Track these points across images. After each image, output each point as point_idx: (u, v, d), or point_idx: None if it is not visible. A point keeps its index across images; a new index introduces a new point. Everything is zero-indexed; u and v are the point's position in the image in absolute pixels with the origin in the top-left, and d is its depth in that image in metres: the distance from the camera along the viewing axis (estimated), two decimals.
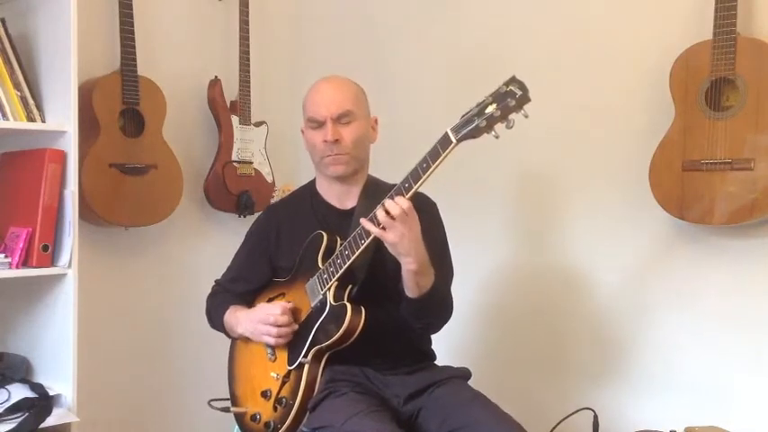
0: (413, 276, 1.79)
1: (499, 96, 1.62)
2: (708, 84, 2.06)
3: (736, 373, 2.17)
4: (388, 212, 1.72)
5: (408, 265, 1.78)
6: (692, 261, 2.25)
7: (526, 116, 1.61)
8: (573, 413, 2.12)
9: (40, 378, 2.27)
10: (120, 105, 2.51)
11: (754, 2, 2.10)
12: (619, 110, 2.38)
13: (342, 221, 1.97)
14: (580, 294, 2.48)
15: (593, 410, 2.11)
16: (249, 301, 2.09)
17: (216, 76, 2.85)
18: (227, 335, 2.11)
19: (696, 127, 2.08)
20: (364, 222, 1.77)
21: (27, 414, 2.05)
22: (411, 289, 1.82)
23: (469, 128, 1.64)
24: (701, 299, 2.23)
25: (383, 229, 1.74)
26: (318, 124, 1.95)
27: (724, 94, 2.07)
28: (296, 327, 1.93)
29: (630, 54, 2.35)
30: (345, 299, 1.86)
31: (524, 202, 2.61)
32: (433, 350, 2.06)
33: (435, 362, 2.05)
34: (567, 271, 2.51)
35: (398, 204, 1.72)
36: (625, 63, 2.37)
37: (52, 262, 2.18)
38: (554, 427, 2.14)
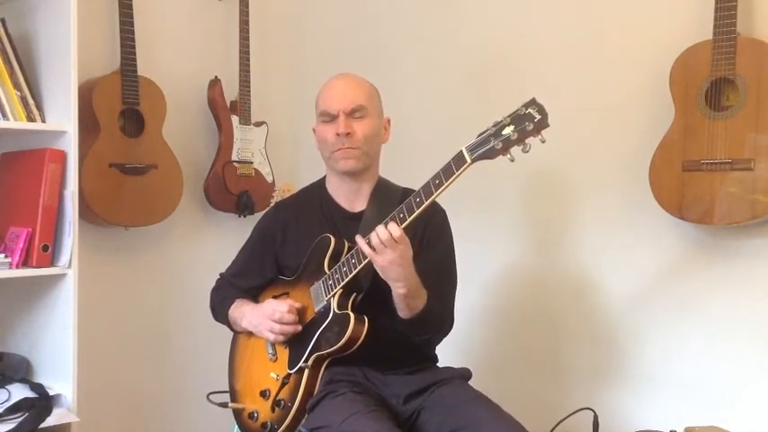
0: (403, 299, 1.81)
1: (517, 119, 1.59)
2: (708, 84, 2.06)
3: (737, 373, 2.17)
4: (378, 237, 1.73)
5: (398, 289, 1.79)
6: (692, 261, 2.25)
7: (543, 141, 1.59)
8: (573, 413, 2.12)
9: (40, 378, 2.27)
10: (120, 105, 2.51)
11: (754, 2, 2.10)
12: (618, 110, 2.38)
13: (350, 224, 1.97)
14: (579, 294, 2.48)
15: (593, 410, 2.11)
16: (253, 296, 2.09)
17: (216, 76, 2.85)
18: (231, 328, 2.12)
19: (696, 127, 2.08)
20: (360, 242, 1.78)
21: (27, 414, 2.05)
22: (402, 311, 1.84)
23: (485, 148, 1.62)
24: (700, 299, 2.23)
25: (374, 251, 1.75)
26: (331, 118, 1.94)
27: (724, 94, 2.07)
28: (299, 328, 1.93)
29: (630, 54, 2.35)
30: (349, 308, 1.86)
31: (525, 204, 2.61)
32: (435, 354, 2.05)
33: (437, 364, 2.05)
34: (565, 271, 2.51)
35: (389, 231, 1.72)
36: (625, 63, 2.37)
37: (52, 262, 2.18)
38: (554, 427, 2.13)
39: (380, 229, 1.74)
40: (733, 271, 2.17)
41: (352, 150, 1.93)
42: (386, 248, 1.73)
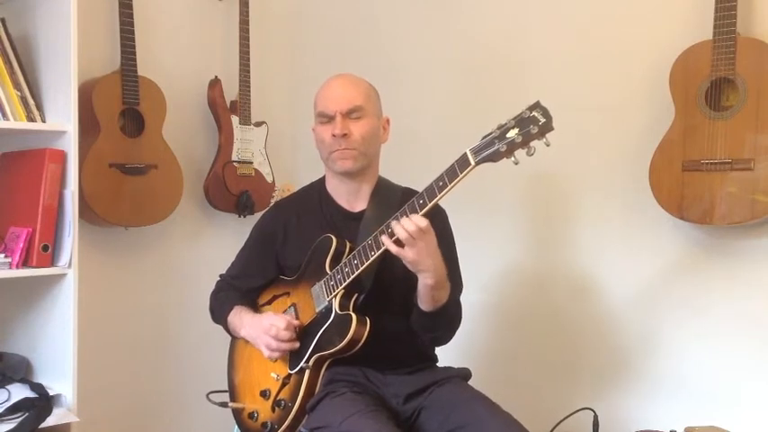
0: (429, 290, 1.79)
1: (522, 121, 1.58)
2: (708, 84, 2.06)
3: (737, 373, 2.17)
4: (405, 230, 1.70)
5: (426, 279, 1.78)
6: (692, 261, 2.25)
7: (548, 144, 1.58)
8: (573, 413, 2.13)
9: (40, 378, 2.27)
10: (120, 105, 2.51)
11: (754, 2, 2.10)
12: (618, 110, 2.38)
13: (350, 224, 1.97)
14: (580, 295, 2.48)
15: (593, 410, 2.11)
16: (253, 298, 2.09)
17: (216, 76, 2.85)
18: (230, 333, 2.11)
19: (696, 127, 2.08)
20: (385, 240, 1.74)
21: (27, 414, 2.05)
22: (426, 303, 1.83)
23: (489, 151, 1.61)
24: (700, 299, 2.23)
25: (401, 246, 1.72)
26: (328, 119, 1.94)
27: (724, 94, 2.07)
28: (296, 345, 1.91)
29: (630, 54, 2.35)
30: (351, 308, 1.85)
31: (525, 203, 2.61)
32: (435, 354, 2.05)
33: (437, 364, 2.05)
34: (567, 271, 2.51)
35: (415, 223, 1.70)
36: (625, 63, 2.37)
37: (52, 262, 2.18)
38: (554, 427, 2.14)
39: (405, 221, 1.70)
40: (733, 271, 2.17)
41: (350, 151, 1.92)
42: (414, 241, 1.70)
